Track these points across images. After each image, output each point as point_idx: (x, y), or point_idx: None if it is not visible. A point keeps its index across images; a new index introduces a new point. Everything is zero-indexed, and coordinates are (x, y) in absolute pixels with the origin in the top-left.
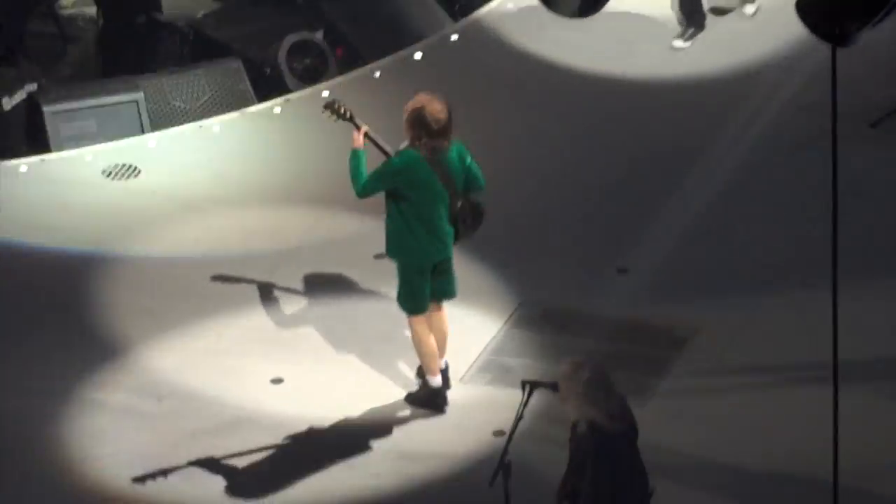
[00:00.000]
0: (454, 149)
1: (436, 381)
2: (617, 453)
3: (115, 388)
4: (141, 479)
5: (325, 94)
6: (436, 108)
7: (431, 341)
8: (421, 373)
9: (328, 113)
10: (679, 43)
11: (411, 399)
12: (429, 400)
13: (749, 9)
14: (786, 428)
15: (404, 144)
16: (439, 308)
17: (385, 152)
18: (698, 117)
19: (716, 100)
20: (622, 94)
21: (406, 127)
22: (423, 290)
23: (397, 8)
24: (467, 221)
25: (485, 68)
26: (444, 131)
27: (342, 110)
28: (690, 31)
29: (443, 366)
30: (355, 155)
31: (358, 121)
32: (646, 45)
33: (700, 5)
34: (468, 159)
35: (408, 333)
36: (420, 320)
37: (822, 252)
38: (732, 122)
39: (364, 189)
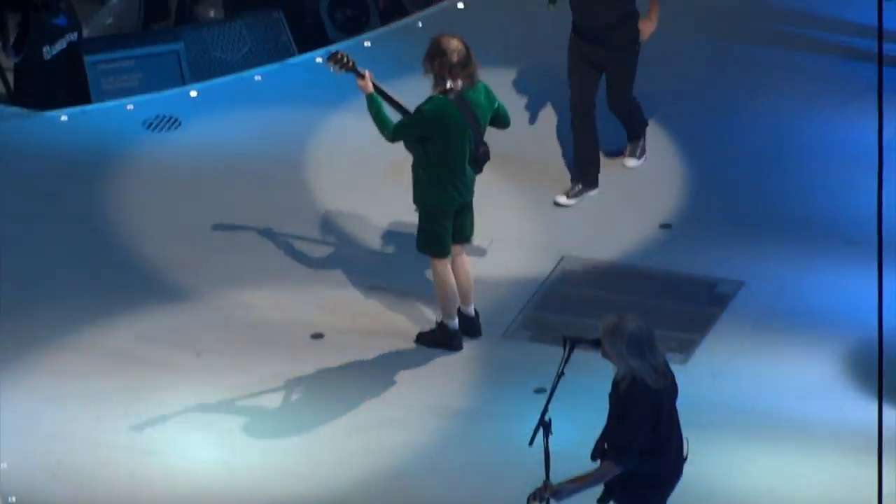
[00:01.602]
0: (482, 89)
1: (453, 323)
2: (658, 409)
3: (155, 341)
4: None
5: (367, 44)
6: (451, 41)
7: (454, 284)
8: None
9: (332, 65)
10: (632, 162)
11: (423, 339)
12: (444, 340)
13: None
14: (827, 389)
15: (432, 92)
16: (461, 251)
17: (393, 101)
18: (743, 66)
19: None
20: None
21: (428, 67)
22: (447, 232)
23: None
24: (479, 162)
25: (531, 17)
26: (465, 61)
27: (346, 60)
28: (642, 145)
29: (472, 312)
30: (373, 100)
31: (360, 69)
32: None
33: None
34: (496, 101)
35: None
36: (444, 263)
37: (868, 209)
38: (780, 73)
39: (395, 134)
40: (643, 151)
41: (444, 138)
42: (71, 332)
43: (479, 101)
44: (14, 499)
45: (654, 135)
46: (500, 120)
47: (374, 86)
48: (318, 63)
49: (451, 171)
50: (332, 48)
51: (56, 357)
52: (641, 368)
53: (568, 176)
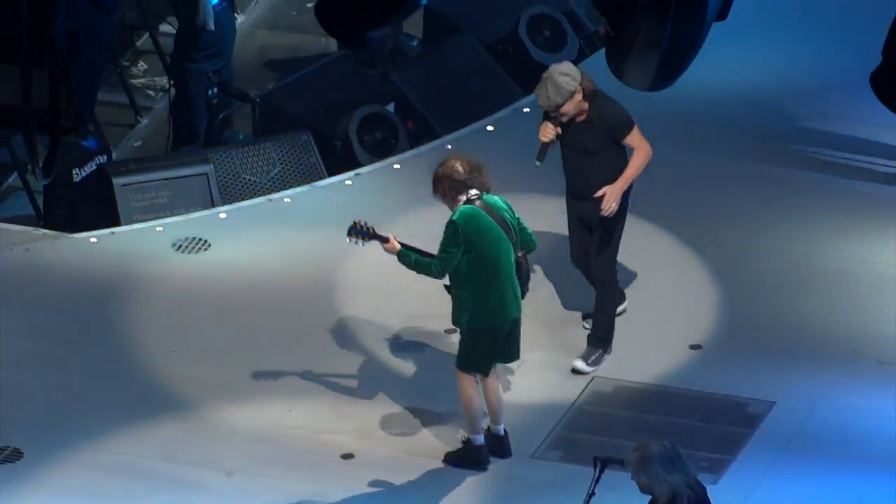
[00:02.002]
0: (500, 199)
1: (479, 438)
2: None
3: (183, 461)
4: None
5: (397, 166)
6: (448, 162)
7: (478, 399)
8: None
9: (354, 238)
10: (580, 364)
11: (450, 458)
12: (469, 457)
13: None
14: None
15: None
16: (495, 370)
17: (420, 252)
18: (776, 188)
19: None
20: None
21: (442, 195)
22: (494, 353)
23: (469, 80)
24: (524, 271)
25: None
26: (474, 169)
27: (366, 228)
28: (598, 353)
29: (501, 432)
30: (405, 255)
31: (381, 233)
32: None
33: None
34: (517, 214)
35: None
36: (470, 379)
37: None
38: (813, 196)
39: (442, 265)
40: (597, 362)
41: (483, 242)
42: (99, 452)
43: (499, 204)
44: None
45: (685, 255)
46: (526, 240)
47: (400, 243)
48: (348, 185)
49: (499, 282)
50: (360, 170)
51: (85, 478)
52: (681, 483)
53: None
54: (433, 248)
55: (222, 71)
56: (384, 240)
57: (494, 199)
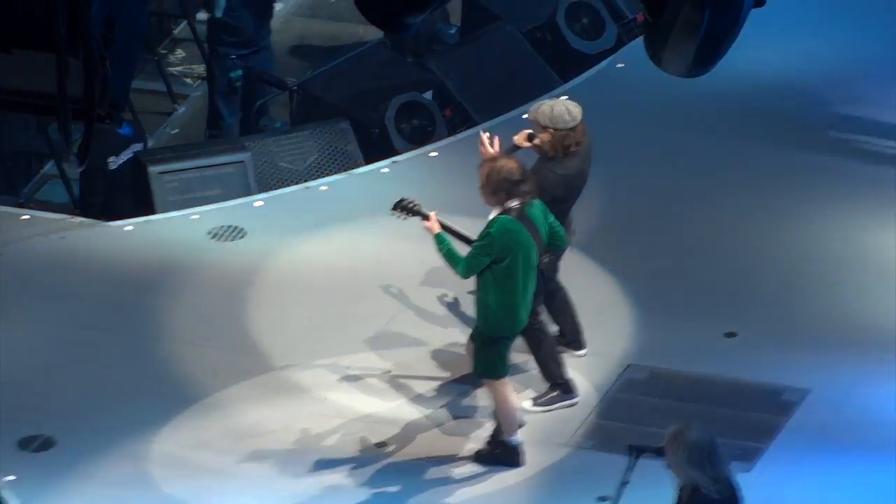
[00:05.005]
0: (538, 205)
1: (516, 439)
2: None
3: (214, 449)
4: None
5: (434, 154)
6: (506, 163)
7: (516, 402)
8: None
9: (398, 212)
10: (527, 405)
11: (483, 457)
12: (507, 457)
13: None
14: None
15: (493, 214)
16: None
17: (461, 235)
18: (808, 176)
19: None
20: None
21: (489, 193)
22: (508, 354)
23: (507, 67)
24: (548, 273)
25: (593, 128)
26: (524, 179)
27: (412, 205)
28: (553, 394)
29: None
30: (442, 240)
31: (424, 210)
32: None
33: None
34: (550, 217)
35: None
36: (505, 382)
37: None
38: (842, 184)
39: (469, 267)
40: (547, 404)
41: (514, 258)
42: (133, 440)
43: (538, 217)
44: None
45: (720, 242)
46: (558, 239)
47: (441, 224)
48: (385, 173)
49: (519, 291)
50: (398, 158)
51: (117, 465)
52: (700, 479)
53: (626, 287)
54: (474, 233)
55: (250, 58)
56: (425, 217)
57: (535, 210)
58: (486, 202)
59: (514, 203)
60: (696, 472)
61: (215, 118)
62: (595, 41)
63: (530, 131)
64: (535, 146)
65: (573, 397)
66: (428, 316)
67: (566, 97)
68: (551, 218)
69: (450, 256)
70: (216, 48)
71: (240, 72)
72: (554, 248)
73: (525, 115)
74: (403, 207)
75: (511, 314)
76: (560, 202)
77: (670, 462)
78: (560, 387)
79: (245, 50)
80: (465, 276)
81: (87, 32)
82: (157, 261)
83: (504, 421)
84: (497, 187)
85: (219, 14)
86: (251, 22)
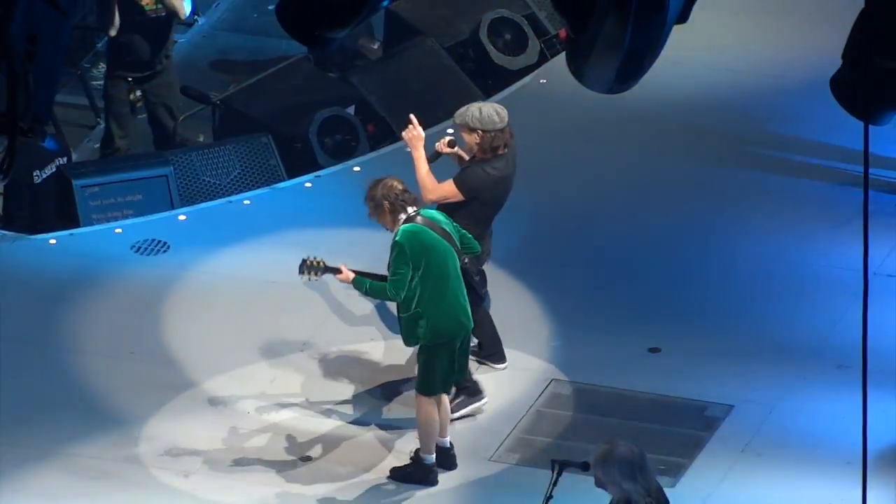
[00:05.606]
0: (435, 211)
1: (431, 458)
2: None
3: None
4: None
5: (357, 169)
6: (382, 181)
7: (438, 421)
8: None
9: (306, 274)
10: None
11: (397, 474)
12: (420, 475)
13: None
14: None
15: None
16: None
17: (373, 275)
18: (734, 191)
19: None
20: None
21: (383, 214)
22: (451, 369)
23: (429, 82)
24: (476, 278)
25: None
26: (406, 188)
27: (317, 262)
28: (460, 399)
29: (448, 444)
30: (360, 282)
31: (331, 264)
32: None
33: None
34: (454, 223)
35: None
36: (431, 400)
37: (858, 334)
38: (770, 198)
39: (396, 285)
40: (455, 410)
41: (430, 258)
42: (59, 454)
43: (441, 219)
44: None
45: (643, 257)
46: (468, 245)
47: (353, 271)
48: (308, 188)
49: (451, 294)
50: (320, 173)
51: (44, 479)
52: (634, 491)
53: (549, 303)
54: (387, 258)
55: (146, 80)
56: (336, 271)
57: (431, 212)
58: (388, 227)
59: (410, 210)
60: (629, 484)
61: (108, 140)
62: (517, 57)
63: (451, 138)
64: (455, 154)
65: (481, 398)
66: (350, 329)
67: (498, 107)
68: (458, 227)
69: (374, 290)
70: (113, 69)
71: (138, 93)
72: (467, 251)
73: (450, 130)
74: (310, 267)
75: (441, 319)
76: (486, 206)
77: (601, 479)
78: (465, 390)
79: (140, 73)
80: (398, 295)
81: (9, 47)
82: (81, 274)
83: (423, 437)
84: (387, 209)
85: (113, 33)
86: (146, 45)
